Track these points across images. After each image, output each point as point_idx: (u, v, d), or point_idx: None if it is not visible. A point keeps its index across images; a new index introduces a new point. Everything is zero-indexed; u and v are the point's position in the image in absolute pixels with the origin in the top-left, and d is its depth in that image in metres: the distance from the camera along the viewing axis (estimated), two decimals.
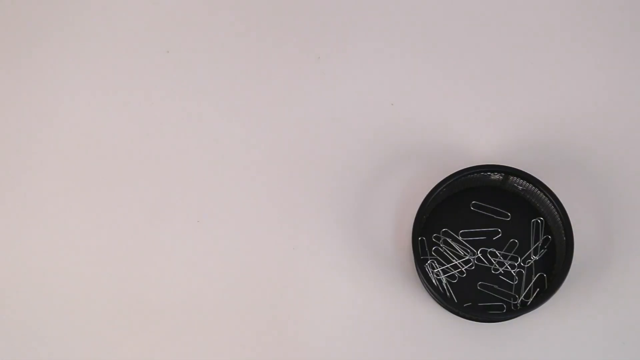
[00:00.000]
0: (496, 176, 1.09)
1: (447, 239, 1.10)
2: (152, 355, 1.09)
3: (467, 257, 1.09)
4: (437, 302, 1.08)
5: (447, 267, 1.09)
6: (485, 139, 1.12)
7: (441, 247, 1.09)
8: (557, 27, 1.14)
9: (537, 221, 1.10)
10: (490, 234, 1.10)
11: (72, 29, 1.17)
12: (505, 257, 1.09)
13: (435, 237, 1.10)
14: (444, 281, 1.09)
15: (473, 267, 1.09)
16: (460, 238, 1.10)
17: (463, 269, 1.09)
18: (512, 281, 1.08)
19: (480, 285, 1.08)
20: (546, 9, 1.15)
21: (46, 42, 1.17)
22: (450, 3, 1.15)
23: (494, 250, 1.09)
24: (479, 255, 1.09)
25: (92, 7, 1.18)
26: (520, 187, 1.10)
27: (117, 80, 1.16)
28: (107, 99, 1.15)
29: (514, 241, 1.09)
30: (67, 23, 1.17)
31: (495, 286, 1.08)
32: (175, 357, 1.09)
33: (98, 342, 1.09)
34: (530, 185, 1.08)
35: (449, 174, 1.07)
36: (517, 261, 1.09)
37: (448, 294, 1.08)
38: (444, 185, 1.07)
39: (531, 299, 1.07)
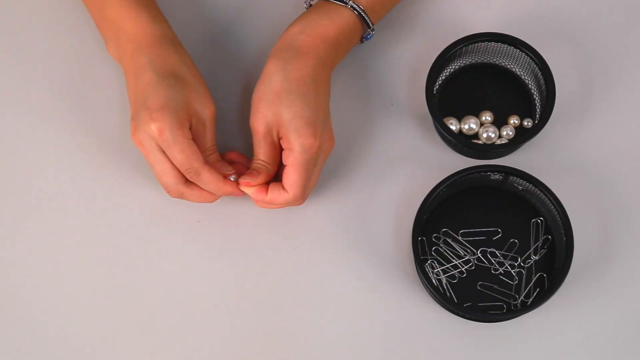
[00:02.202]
0: (496, 176, 1.09)
1: (447, 239, 1.10)
2: (152, 355, 1.09)
3: (467, 257, 1.09)
4: (437, 302, 1.08)
5: (447, 267, 1.09)
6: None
7: (441, 247, 1.09)
8: None
9: (537, 221, 1.10)
10: (490, 234, 1.10)
11: None
12: (505, 257, 1.09)
13: (435, 237, 1.10)
14: (444, 281, 1.09)
15: (473, 267, 1.09)
16: (460, 238, 1.10)
17: (463, 269, 1.09)
18: (512, 281, 1.08)
19: (480, 285, 1.08)
20: None
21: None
22: None
23: (494, 250, 1.09)
24: (479, 255, 1.09)
25: None
26: (520, 187, 1.10)
27: None
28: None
29: (514, 241, 1.09)
30: None
31: (495, 286, 1.08)
32: (176, 358, 1.09)
33: (97, 342, 1.09)
34: (530, 185, 1.08)
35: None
36: (517, 261, 1.09)
37: (448, 294, 1.08)
38: (444, 185, 1.08)
39: (531, 299, 1.07)
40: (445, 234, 1.10)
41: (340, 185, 1.13)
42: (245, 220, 1.12)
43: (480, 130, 1.13)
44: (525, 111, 1.14)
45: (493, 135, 1.12)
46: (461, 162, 1.13)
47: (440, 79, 1.14)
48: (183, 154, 1.03)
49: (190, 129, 1.04)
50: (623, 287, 1.08)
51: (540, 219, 1.09)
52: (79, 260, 1.11)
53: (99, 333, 1.09)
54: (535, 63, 1.11)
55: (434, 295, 1.06)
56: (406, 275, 1.10)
